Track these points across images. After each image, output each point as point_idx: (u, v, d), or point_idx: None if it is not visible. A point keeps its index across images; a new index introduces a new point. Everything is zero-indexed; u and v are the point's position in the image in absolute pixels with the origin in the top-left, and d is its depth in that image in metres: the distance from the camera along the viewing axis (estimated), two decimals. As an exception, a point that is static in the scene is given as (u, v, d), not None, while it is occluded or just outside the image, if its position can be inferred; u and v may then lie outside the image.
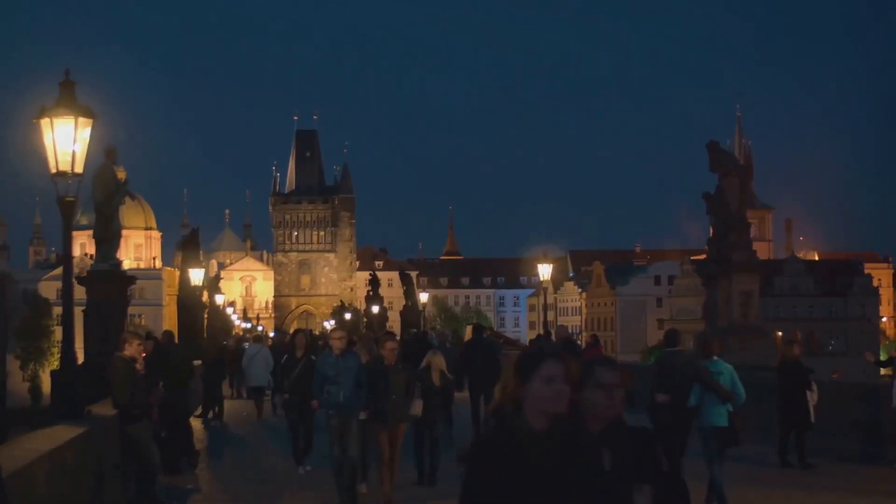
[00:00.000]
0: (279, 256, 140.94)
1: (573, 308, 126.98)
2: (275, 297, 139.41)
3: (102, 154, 17.00)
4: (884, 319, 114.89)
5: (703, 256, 27.89)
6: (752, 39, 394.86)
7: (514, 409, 3.34)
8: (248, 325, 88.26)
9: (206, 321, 33.29)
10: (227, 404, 21.65)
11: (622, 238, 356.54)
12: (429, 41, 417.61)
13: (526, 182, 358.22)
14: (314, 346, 14.83)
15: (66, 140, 9.36)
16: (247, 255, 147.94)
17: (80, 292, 14.10)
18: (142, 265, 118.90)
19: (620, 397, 3.75)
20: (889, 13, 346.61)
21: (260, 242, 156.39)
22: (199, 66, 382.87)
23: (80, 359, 13.15)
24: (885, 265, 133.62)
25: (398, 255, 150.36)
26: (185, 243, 35.48)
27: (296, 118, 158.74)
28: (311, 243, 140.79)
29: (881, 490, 11.45)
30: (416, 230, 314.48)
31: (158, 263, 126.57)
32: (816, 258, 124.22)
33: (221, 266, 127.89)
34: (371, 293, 51.56)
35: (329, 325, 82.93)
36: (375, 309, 50.24)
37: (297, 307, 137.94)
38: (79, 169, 9.48)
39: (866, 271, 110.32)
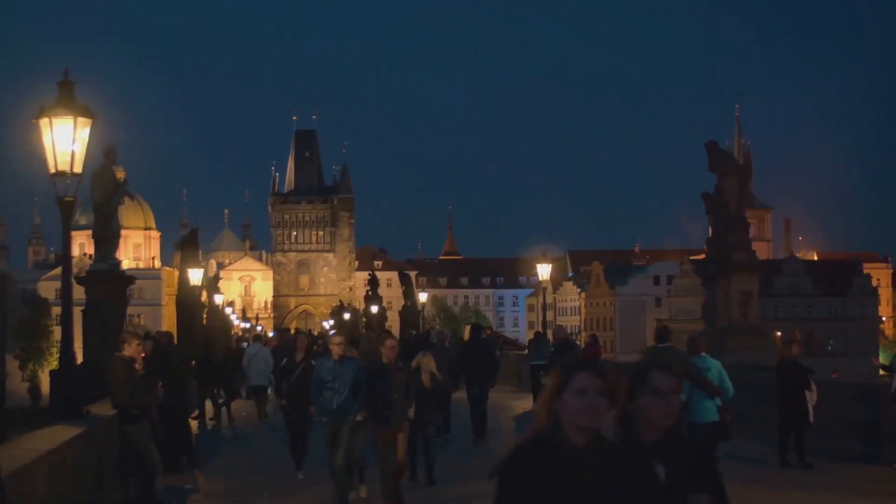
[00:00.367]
0: (278, 256, 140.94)
1: (572, 308, 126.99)
2: (274, 296, 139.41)
3: (101, 154, 17.00)
4: (883, 319, 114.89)
5: (702, 256, 27.91)
6: (751, 39, 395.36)
7: (552, 421, 3.15)
8: (248, 325, 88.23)
9: (204, 321, 33.28)
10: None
11: (621, 238, 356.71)
12: (428, 41, 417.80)
13: (525, 182, 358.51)
14: (313, 349, 14.72)
15: (65, 140, 9.36)
16: (246, 254, 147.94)
17: (79, 292, 14.15)
18: (141, 265, 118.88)
19: (677, 404, 3.49)
20: (889, 13, 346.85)
21: (259, 242, 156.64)
22: (199, 66, 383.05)
23: (80, 359, 13.17)
24: (885, 265, 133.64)
25: (397, 254, 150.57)
26: (184, 243, 35.41)
27: (295, 118, 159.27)
28: (311, 243, 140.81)
29: (880, 490, 11.44)
30: (416, 230, 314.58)
31: (157, 263, 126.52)
32: (815, 258, 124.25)
33: (220, 266, 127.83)
34: (370, 293, 51.51)
35: (328, 325, 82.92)
36: (374, 309, 50.19)
37: (296, 307, 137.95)
38: (78, 169, 9.48)
39: (865, 271, 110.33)
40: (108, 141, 17.62)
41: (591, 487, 3.01)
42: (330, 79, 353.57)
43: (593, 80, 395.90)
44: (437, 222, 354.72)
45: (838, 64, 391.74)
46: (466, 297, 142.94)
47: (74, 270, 15.15)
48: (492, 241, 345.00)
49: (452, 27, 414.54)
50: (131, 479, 10.61)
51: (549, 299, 43.50)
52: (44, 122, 9.39)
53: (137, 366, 10.27)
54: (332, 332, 27.85)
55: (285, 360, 13.04)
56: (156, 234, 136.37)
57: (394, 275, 76.69)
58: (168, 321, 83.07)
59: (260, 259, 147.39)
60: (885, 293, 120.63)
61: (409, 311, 41.71)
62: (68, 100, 9.62)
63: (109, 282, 17.39)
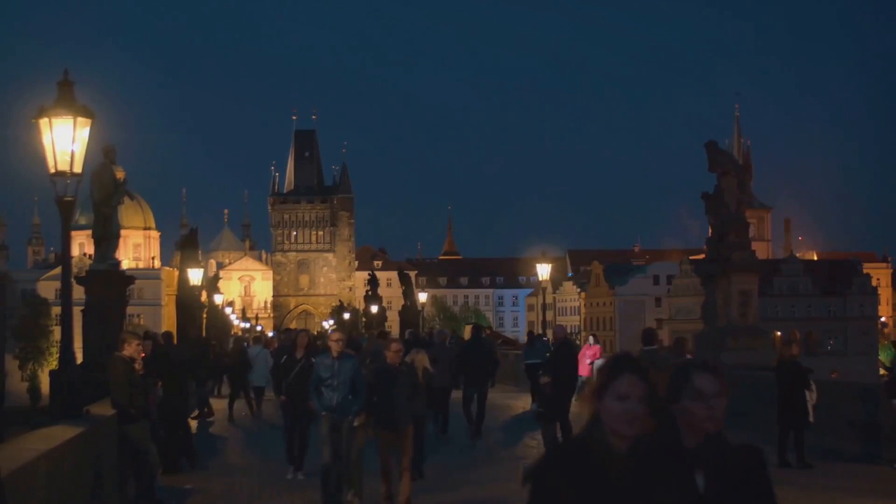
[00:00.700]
0: (278, 256, 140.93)
1: (572, 308, 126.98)
2: (273, 296, 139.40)
3: (101, 154, 16.98)
4: (882, 319, 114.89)
5: (701, 256, 27.90)
6: (751, 39, 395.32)
7: (593, 423, 2.98)
8: (247, 325, 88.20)
9: (204, 321, 33.28)
10: (224, 404, 21.69)
11: (621, 238, 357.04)
12: (428, 41, 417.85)
13: (524, 182, 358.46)
14: (314, 348, 14.60)
15: (64, 140, 9.36)
16: (245, 254, 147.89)
17: (78, 292, 14.13)
18: (140, 265, 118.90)
19: (722, 407, 3.25)
20: (889, 13, 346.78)
21: (259, 242, 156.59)
22: (198, 66, 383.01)
23: (79, 359, 13.17)
24: (884, 265, 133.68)
25: (397, 254, 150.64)
26: (183, 243, 35.35)
27: (294, 118, 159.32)
28: (310, 243, 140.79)
29: (880, 490, 11.45)
30: (415, 230, 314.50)
31: (157, 263, 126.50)
32: (815, 258, 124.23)
33: (220, 266, 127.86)
34: (370, 293, 51.49)
35: (328, 324, 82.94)
36: (374, 309, 50.19)
37: (296, 307, 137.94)
38: (77, 169, 9.48)
39: (865, 271, 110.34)
40: (108, 141, 17.63)
41: (629, 494, 2.86)
42: (329, 79, 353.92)
43: (593, 80, 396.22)
44: (436, 222, 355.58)
45: (838, 64, 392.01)
46: (466, 296, 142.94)
47: (74, 270, 15.15)
48: (491, 241, 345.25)
49: (452, 27, 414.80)
50: (131, 479, 10.62)
51: (548, 299, 43.51)
52: (43, 121, 9.38)
53: (137, 366, 10.27)
54: (332, 329, 27.83)
55: (285, 357, 12.97)
56: (155, 234, 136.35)
57: (393, 275, 76.70)
58: (168, 321, 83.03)
59: (260, 259, 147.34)
60: (884, 293, 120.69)
61: (409, 311, 41.67)
62: (68, 100, 9.61)
63: (109, 282, 17.37)
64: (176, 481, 12.01)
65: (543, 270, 31.23)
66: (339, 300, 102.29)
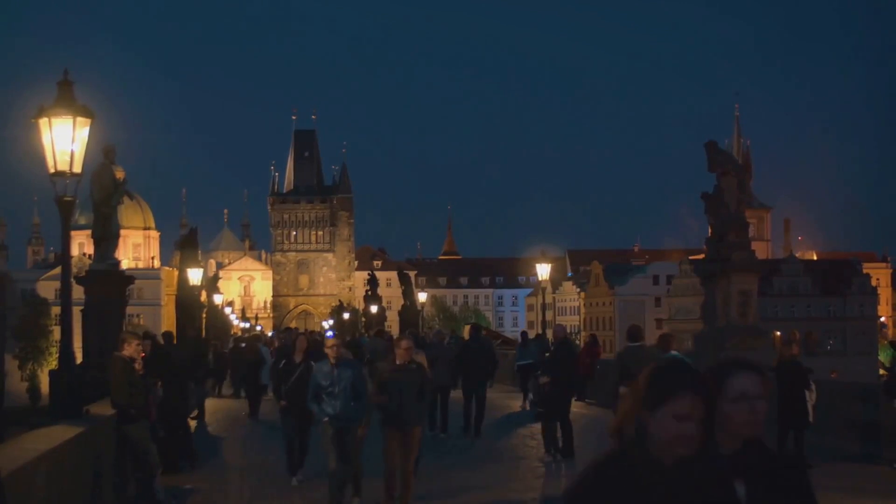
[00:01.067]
0: (277, 256, 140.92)
1: (572, 308, 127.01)
2: (273, 296, 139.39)
3: (101, 153, 16.99)
4: (882, 319, 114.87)
5: (701, 256, 27.90)
6: (750, 39, 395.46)
7: (638, 433, 2.72)
8: (247, 325, 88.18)
9: (203, 321, 33.29)
10: (224, 404, 21.73)
11: (621, 238, 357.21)
12: (428, 41, 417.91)
13: (524, 182, 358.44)
14: (314, 350, 14.09)
15: (64, 139, 9.36)
16: (245, 254, 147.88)
17: (78, 292, 14.12)
18: (140, 265, 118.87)
19: (764, 410, 3.01)
20: (888, 13, 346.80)
21: (258, 242, 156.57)
22: (198, 66, 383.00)
23: (79, 359, 13.17)
24: (884, 265, 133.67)
25: (397, 254, 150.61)
26: (183, 243, 35.37)
27: (294, 118, 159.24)
28: (310, 243, 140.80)
29: (880, 490, 11.45)
30: (415, 230, 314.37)
31: (157, 263, 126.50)
32: (815, 258, 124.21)
33: (220, 266, 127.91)
34: (369, 293, 51.53)
35: (327, 324, 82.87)
36: (374, 309, 50.22)
37: (296, 307, 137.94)
38: (77, 168, 9.48)
39: (865, 271, 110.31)
40: (108, 140, 17.65)
41: None
42: (329, 78, 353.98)
43: (593, 80, 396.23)
44: (436, 222, 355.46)
45: (837, 63, 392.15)
46: (466, 296, 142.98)
47: (74, 270, 15.15)
48: (491, 241, 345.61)
49: (452, 27, 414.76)
50: (131, 479, 10.62)
51: (548, 299, 43.47)
52: (43, 121, 9.38)
53: (137, 365, 10.27)
54: (329, 334, 27.81)
55: (284, 361, 12.43)
56: (155, 234, 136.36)
57: (393, 275, 76.75)
58: (167, 321, 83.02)
59: (259, 259, 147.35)
60: (884, 293, 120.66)
61: (409, 311, 41.69)
62: (68, 99, 9.61)
63: (109, 282, 17.38)
64: (176, 481, 12.00)
65: (543, 270, 31.22)
66: (339, 300, 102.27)
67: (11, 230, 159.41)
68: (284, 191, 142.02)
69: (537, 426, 15.72)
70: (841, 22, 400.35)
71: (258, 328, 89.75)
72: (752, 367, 3.11)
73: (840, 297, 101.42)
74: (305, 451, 12.12)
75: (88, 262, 21.94)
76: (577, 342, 56.25)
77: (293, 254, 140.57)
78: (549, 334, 21.88)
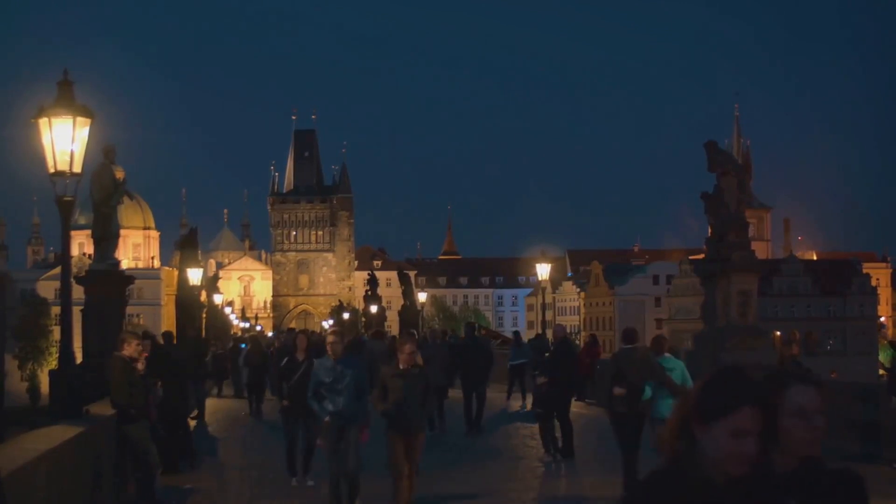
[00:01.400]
0: (277, 256, 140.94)
1: (571, 308, 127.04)
2: (273, 296, 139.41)
3: (101, 153, 16.98)
4: (882, 319, 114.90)
5: (701, 256, 27.90)
6: (750, 39, 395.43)
7: (689, 447, 2.51)
8: (247, 325, 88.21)
9: (203, 321, 33.31)
10: (224, 404, 21.74)
11: (620, 237, 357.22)
12: (428, 41, 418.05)
13: (524, 182, 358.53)
14: (316, 348, 13.89)
15: (64, 139, 9.36)
16: (245, 254, 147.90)
17: (78, 292, 14.11)
18: (140, 265, 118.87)
19: (824, 427, 2.85)
20: (888, 13, 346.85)
21: (258, 242, 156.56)
22: (198, 66, 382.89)
23: (79, 359, 13.16)
24: (884, 265, 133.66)
25: (396, 254, 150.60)
26: (183, 243, 35.40)
27: (294, 118, 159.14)
28: (310, 243, 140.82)
29: (880, 490, 11.43)
30: (415, 230, 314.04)
31: (157, 263, 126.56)
32: (815, 258, 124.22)
33: (220, 266, 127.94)
34: (369, 293, 51.54)
35: (327, 324, 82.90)
36: (374, 309, 50.23)
37: (296, 307, 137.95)
38: (77, 168, 9.48)
39: (865, 271, 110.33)
40: (108, 140, 17.63)
41: None
42: (329, 78, 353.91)
43: (592, 80, 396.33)
44: (436, 222, 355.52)
45: (837, 63, 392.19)
46: (466, 296, 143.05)
47: (74, 270, 15.16)
48: (491, 241, 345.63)
49: (452, 27, 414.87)
50: (131, 479, 10.62)
51: (548, 299, 43.47)
52: (43, 121, 9.39)
53: (140, 365, 10.27)
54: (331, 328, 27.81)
55: (286, 359, 12.32)
56: (155, 234, 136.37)
57: (393, 274, 76.82)
58: (167, 321, 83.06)
59: (259, 259, 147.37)
60: (884, 293, 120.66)
61: (409, 311, 41.71)
62: (67, 99, 9.61)
63: (109, 281, 17.38)
64: (176, 481, 12.01)
65: (543, 270, 31.25)
66: (339, 300, 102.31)
67: (11, 230, 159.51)
68: (284, 191, 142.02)
69: (537, 426, 15.73)
70: (841, 22, 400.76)
71: (258, 328, 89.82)
72: (812, 379, 2.93)
73: (840, 297, 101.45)
74: (313, 452, 11.73)
75: (88, 262, 21.95)
76: (577, 342, 56.27)
77: (293, 254, 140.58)
78: (549, 334, 21.91)
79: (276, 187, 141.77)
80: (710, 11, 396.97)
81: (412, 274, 71.12)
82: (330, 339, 9.93)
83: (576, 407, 16.89)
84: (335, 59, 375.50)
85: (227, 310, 76.00)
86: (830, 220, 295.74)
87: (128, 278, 18.69)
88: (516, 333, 29.82)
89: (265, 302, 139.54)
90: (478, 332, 23.14)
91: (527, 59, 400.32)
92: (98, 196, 17.13)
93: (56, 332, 60.90)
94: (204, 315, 34.40)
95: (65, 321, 10.09)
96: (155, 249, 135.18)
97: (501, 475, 13.02)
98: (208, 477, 13.01)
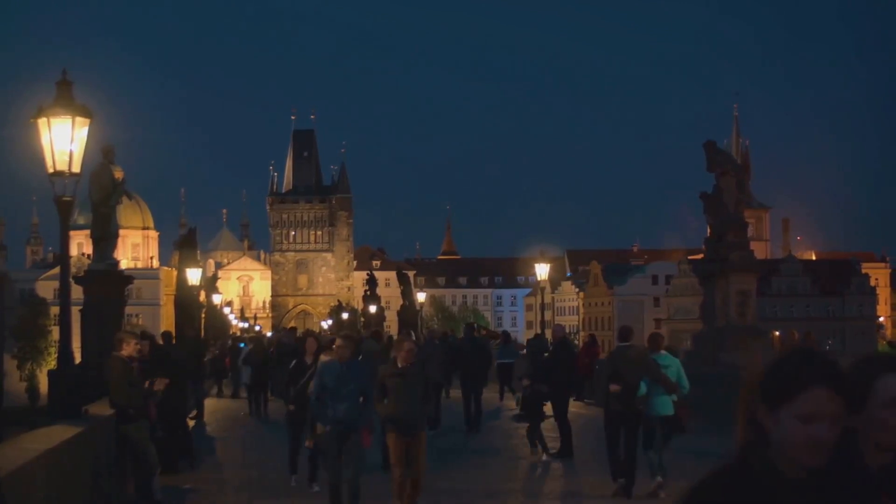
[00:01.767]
0: (276, 256, 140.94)
1: (570, 308, 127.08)
2: (272, 296, 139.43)
3: (100, 153, 16.99)
4: (881, 319, 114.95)
5: (700, 256, 27.92)
6: (750, 39, 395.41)
7: (759, 441, 2.28)
8: (246, 325, 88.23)
9: (202, 321, 33.33)
10: (224, 404, 21.75)
11: (619, 237, 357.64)
12: (427, 41, 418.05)
13: (523, 182, 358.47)
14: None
15: (63, 139, 9.36)
16: (244, 254, 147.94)
17: (77, 292, 14.09)
18: (139, 265, 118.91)
19: None
20: (888, 13, 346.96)
21: (257, 242, 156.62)
22: (197, 66, 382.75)
23: (78, 359, 13.17)
24: (883, 265, 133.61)
25: (396, 254, 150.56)
26: (182, 243, 35.44)
27: (293, 118, 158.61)
28: (309, 243, 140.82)
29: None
30: (414, 230, 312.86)
31: (156, 263, 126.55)
32: (814, 258, 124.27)
33: (219, 266, 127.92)
34: (368, 293, 51.58)
35: (326, 325, 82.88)
36: (373, 309, 50.27)
37: (295, 307, 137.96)
38: (76, 168, 9.48)
39: (863, 271, 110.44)
40: (107, 140, 17.64)
41: None
42: (328, 78, 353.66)
43: (592, 80, 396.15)
44: (435, 222, 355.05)
45: (837, 63, 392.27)
46: (465, 296, 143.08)
47: (73, 270, 15.13)
48: (490, 241, 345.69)
49: (451, 27, 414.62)
50: (130, 479, 10.62)
51: (547, 299, 43.46)
52: (42, 121, 9.38)
53: (136, 365, 10.27)
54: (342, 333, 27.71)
55: (294, 361, 12.21)
56: (154, 234, 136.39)
57: (392, 274, 76.76)
58: (166, 321, 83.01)
59: (258, 259, 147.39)
60: (883, 293, 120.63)
61: (408, 311, 41.75)
62: (67, 99, 9.61)
63: (107, 281, 17.38)
64: (175, 481, 12.01)
65: (542, 270, 31.25)
66: (338, 300, 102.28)
67: (10, 230, 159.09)
68: (283, 191, 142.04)
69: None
70: (841, 22, 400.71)
71: (257, 328, 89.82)
72: None
73: (839, 297, 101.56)
74: (318, 458, 11.50)
75: (87, 261, 21.97)
76: (577, 342, 56.29)
77: (292, 254, 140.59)
78: (548, 334, 21.93)
79: (275, 187, 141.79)
80: (710, 11, 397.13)
81: (411, 274, 71.11)
82: (338, 342, 9.80)
83: (575, 407, 16.90)
84: (334, 59, 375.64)
85: (226, 310, 76.05)
86: (829, 220, 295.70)
87: (127, 278, 18.69)
88: (505, 333, 29.93)
89: (264, 302, 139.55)
90: (478, 332, 23.18)
91: (527, 59, 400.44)
92: (97, 196, 17.13)
93: (55, 332, 60.93)
94: (203, 315, 34.42)
95: (64, 321, 10.09)
96: (154, 249, 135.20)
97: (501, 475, 13.02)
98: (208, 477, 13.00)
